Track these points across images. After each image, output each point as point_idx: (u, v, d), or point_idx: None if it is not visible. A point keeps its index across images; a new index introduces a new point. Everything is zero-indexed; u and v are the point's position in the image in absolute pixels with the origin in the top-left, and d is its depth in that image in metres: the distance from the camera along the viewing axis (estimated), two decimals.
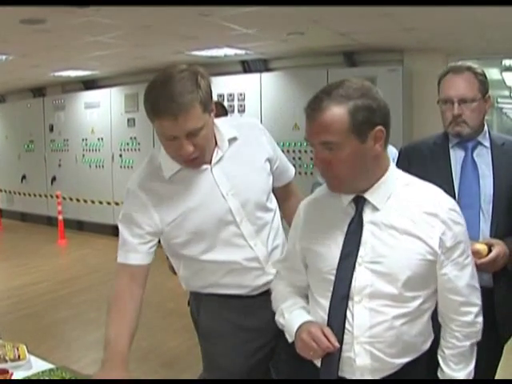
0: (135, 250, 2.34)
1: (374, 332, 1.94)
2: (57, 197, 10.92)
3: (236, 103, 8.89)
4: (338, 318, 1.96)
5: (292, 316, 2.11)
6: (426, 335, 2.07)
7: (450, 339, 2.06)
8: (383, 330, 1.94)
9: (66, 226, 10.82)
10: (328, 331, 1.94)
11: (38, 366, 2.47)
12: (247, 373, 2.48)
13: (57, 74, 10.27)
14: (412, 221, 1.93)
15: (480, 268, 2.44)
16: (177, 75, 2.17)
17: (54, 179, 11.89)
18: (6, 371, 2.31)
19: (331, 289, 1.97)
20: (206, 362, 2.61)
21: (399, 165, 2.84)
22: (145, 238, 2.34)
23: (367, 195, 1.96)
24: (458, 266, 1.97)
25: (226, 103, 8.33)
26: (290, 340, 2.08)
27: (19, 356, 2.49)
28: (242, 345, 2.50)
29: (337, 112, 1.82)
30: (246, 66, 9.09)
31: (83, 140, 11.25)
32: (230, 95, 8.93)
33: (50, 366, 2.46)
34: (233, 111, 8.68)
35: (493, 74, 9.53)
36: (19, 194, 12.88)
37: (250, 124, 2.62)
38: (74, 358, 4.86)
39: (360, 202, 1.97)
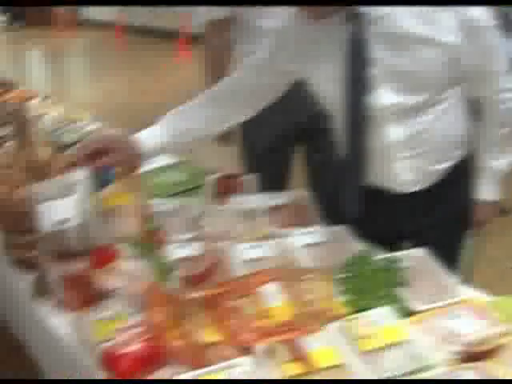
0: None
1: (410, 145, 1.88)
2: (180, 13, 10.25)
3: None
4: (357, 140, 1.87)
5: None
6: (462, 133, 2.00)
7: (487, 128, 1.98)
8: (419, 140, 1.87)
9: (188, 42, 10.62)
10: None
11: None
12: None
13: None
14: (425, 20, 1.69)
15: None
16: None
17: None
18: None
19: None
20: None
21: None
22: None
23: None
24: (484, 49, 1.78)
25: None
26: None
27: None
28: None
29: None
30: None
31: None
32: None
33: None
34: None
35: None
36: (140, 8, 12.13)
37: None
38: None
39: (352, 18, 1.71)
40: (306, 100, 2.53)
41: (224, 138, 2.87)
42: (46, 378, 1.99)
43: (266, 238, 1.92)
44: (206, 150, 2.72)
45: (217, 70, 2.74)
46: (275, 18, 2.41)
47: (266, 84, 1.99)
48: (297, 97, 2.55)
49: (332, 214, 2.11)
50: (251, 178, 2.30)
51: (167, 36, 11.84)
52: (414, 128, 1.85)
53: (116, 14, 12.84)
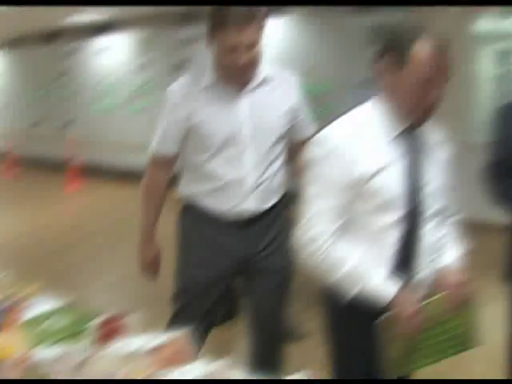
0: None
1: (436, 247, 2.14)
2: (70, 142, 11.22)
3: None
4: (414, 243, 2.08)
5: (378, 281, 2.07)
6: None
7: None
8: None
9: (79, 172, 11.09)
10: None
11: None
12: (213, 286, 2.86)
13: (68, 19, 10.63)
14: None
15: None
16: None
17: (67, 124, 12.36)
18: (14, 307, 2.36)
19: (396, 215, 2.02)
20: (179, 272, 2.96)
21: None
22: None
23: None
24: None
25: None
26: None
27: (29, 295, 2.54)
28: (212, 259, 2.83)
29: None
30: None
31: (96, 85, 11.87)
32: None
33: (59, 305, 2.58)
34: None
35: None
36: (31, 138, 13.24)
37: (289, 72, 2.92)
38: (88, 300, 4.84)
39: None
40: (242, 241, 2.83)
41: (152, 270, 3.03)
42: None
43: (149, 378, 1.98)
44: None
45: (153, 203, 2.93)
46: (219, 157, 2.67)
47: None
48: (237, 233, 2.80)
49: None
50: (136, 318, 2.36)
51: (58, 166, 12.21)
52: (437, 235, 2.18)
53: (6, 145, 13.04)
